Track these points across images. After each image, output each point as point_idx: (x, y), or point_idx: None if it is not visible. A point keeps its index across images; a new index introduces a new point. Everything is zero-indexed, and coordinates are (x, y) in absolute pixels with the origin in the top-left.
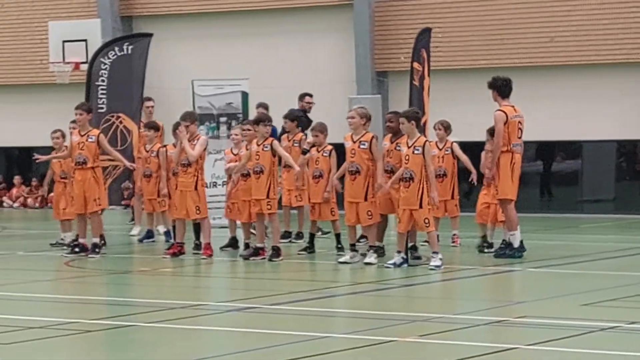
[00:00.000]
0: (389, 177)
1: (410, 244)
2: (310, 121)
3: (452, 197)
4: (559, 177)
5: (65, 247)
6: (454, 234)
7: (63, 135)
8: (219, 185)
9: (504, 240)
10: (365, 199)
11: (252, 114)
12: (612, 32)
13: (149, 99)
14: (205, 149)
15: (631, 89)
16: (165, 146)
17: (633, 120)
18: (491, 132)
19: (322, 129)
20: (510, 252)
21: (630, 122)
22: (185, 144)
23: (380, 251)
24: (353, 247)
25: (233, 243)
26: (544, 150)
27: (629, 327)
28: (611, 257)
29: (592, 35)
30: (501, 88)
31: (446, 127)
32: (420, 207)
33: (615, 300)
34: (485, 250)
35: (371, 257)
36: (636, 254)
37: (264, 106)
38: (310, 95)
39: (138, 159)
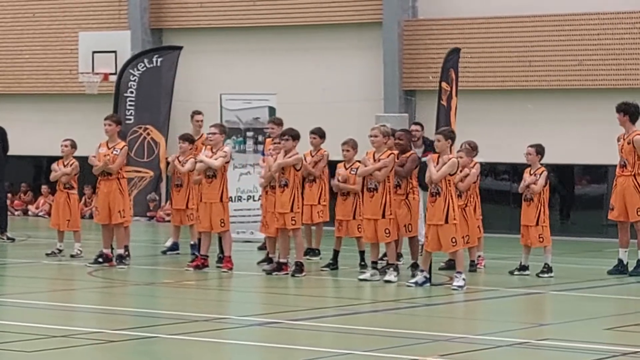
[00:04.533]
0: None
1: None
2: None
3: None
4: (584, 201)
5: (59, 256)
6: (479, 256)
7: (73, 145)
8: (244, 199)
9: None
10: (383, 217)
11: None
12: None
13: (199, 113)
14: (228, 162)
15: None
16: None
17: None
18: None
19: (354, 145)
20: None
21: None
22: (202, 157)
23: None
24: (375, 265)
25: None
26: (568, 174)
27: None
28: (635, 282)
29: (620, 59)
30: (634, 114)
31: (473, 148)
32: (446, 223)
33: (638, 325)
34: (516, 272)
35: (391, 275)
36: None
37: (278, 122)
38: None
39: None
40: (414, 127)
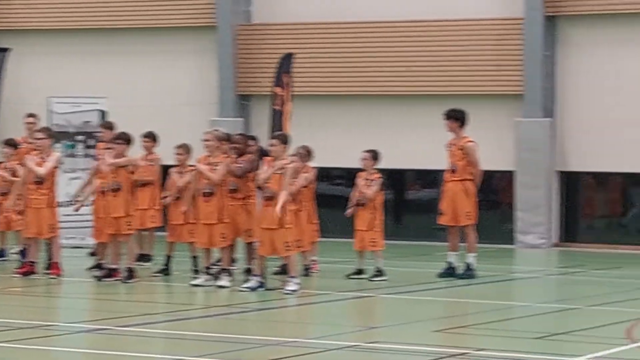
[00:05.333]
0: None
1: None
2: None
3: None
4: (415, 205)
5: None
6: (313, 260)
7: None
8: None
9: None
10: (220, 221)
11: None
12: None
13: (31, 115)
14: (57, 167)
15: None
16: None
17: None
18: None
19: (187, 149)
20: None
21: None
22: (28, 163)
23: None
24: (208, 270)
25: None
26: (396, 178)
27: (477, 353)
28: (463, 285)
29: (447, 66)
30: (464, 120)
31: (308, 152)
32: (280, 227)
33: (465, 327)
34: (353, 276)
35: (224, 280)
36: (491, 281)
37: (107, 126)
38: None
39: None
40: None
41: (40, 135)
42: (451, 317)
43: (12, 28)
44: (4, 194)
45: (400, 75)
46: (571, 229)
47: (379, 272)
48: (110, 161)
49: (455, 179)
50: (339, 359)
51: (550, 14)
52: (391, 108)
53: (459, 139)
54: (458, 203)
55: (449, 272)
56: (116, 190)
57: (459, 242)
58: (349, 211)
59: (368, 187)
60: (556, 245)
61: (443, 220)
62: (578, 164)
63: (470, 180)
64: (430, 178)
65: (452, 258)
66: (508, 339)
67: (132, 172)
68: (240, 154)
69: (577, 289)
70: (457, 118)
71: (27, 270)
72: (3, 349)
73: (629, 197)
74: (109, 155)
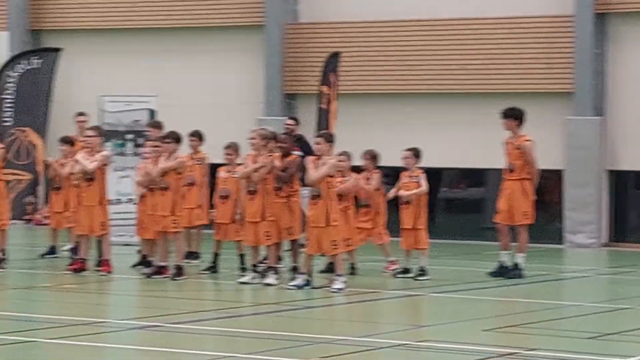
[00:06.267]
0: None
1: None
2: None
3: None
4: (460, 204)
5: None
6: (391, 260)
7: None
8: (124, 202)
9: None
10: (263, 219)
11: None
12: (518, 63)
13: (82, 114)
14: (105, 165)
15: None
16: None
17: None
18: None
19: (236, 148)
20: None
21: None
22: (79, 158)
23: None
24: (255, 268)
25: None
26: (444, 177)
27: (527, 353)
28: (512, 285)
29: (499, 64)
30: (522, 119)
31: (373, 157)
32: (328, 225)
33: (516, 326)
34: (399, 275)
35: (271, 278)
36: (541, 281)
37: (156, 125)
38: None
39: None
40: (289, 121)
41: (90, 133)
42: (501, 317)
43: (64, 28)
44: (57, 189)
45: (450, 73)
46: (620, 229)
47: (423, 271)
48: (161, 166)
49: (514, 178)
50: (388, 358)
51: (601, 11)
52: (438, 106)
53: (516, 137)
54: (515, 202)
55: (501, 272)
56: (164, 189)
57: (510, 241)
58: (392, 192)
59: (412, 186)
60: (606, 245)
61: (499, 218)
62: (628, 163)
63: (528, 179)
64: (477, 177)
65: (504, 257)
66: (559, 338)
67: (180, 172)
68: (287, 154)
69: (629, 289)
70: (515, 117)
71: (78, 267)
72: (56, 345)
73: None
74: (160, 158)
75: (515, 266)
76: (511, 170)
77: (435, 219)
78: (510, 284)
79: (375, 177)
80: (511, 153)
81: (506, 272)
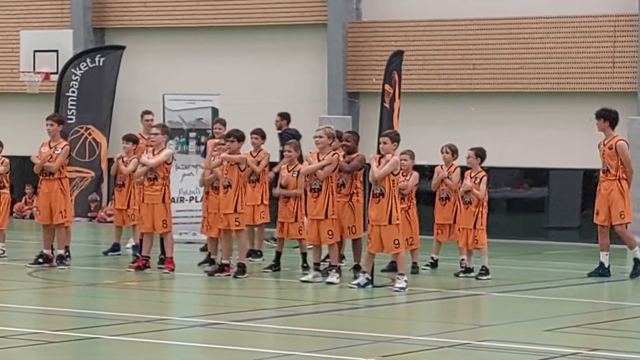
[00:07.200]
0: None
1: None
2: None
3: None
4: (524, 204)
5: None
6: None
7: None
8: (186, 200)
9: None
10: (326, 217)
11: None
12: (582, 62)
13: (149, 112)
14: (169, 162)
15: None
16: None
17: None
18: None
19: (297, 147)
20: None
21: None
22: (142, 157)
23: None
24: (317, 267)
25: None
26: (513, 177)
27: (590, 353)
28: (575, 284)
29: (562, 62)
30: (614, 120)
31: (453, 151)
32: (389, 224)
33: (578, 326)
34: (461, 274)
35: (333, 277)
36: (600, 281)
37: (224, 122)
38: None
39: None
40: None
41: (155, 131)
42: (563, 317)
43: (127, 26)
44: (120, 186)
45: (512, 72)
46: None
47: (485, 270)
48: (223, 155)
49: (609, 178)
50: (450, 357)
51: None
52: (501, 106)
53: (609, 138)
54: (612, 202)
55: (601, 272)
56: (227, 187)
57: (609, 242)
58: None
59: (474, 187)
60: None
61: (598, 220)
62: None
63: (624, 179)
64: (539, 177)
65: (604, 257)
66: (621, 339)
67: (243, 170)
68: (351, 152)
69: None
70: (607, 118)
71: (141, 264)
72: (120, 342)
73: None
74: (219, 152)
75: (601, 265)
76: (606, 171)
77: (497, 219)
78: (573, 284)
79: (456, 173)
80: (605, 153)
81: (606, 273)
